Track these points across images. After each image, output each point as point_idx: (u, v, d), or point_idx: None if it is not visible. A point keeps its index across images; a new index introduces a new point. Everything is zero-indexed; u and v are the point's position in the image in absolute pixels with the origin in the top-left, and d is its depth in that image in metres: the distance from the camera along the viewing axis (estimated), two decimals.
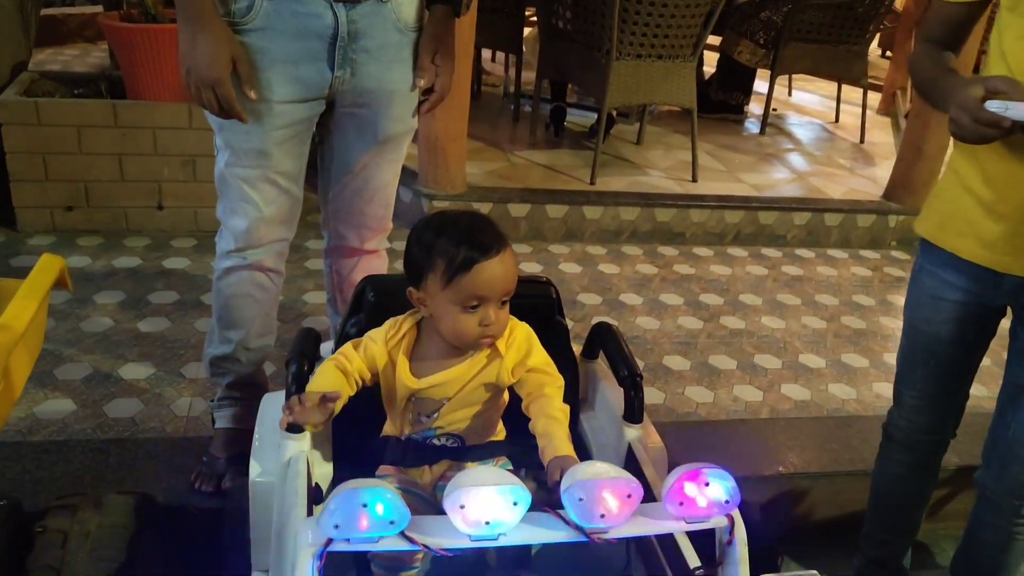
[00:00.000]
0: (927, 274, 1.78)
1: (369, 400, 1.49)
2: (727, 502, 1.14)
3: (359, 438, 1.52)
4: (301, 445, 1.44)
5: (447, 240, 1.34)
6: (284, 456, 1.44)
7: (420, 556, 1.36)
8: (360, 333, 1.57)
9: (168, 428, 2.24)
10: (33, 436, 2.15)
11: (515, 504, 1.04)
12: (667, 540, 1.38)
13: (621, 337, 1.69)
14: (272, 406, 1.65)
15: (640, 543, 1.45)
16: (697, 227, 3.98)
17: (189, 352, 2.60)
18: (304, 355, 1.51)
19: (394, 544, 1.06)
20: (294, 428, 1.45)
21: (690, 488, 1.11)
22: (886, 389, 2.91)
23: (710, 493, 1.12)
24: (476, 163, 4.02)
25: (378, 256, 2.11)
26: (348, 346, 1.43)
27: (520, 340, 1.43)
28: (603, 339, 1.72)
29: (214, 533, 1.91)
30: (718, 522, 1.16)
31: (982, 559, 1.90)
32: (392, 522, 1.04)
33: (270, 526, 1.49)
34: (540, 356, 1.45)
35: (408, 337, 1.42)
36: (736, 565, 1.18)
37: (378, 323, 1.59)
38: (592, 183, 3.99)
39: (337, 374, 1.39)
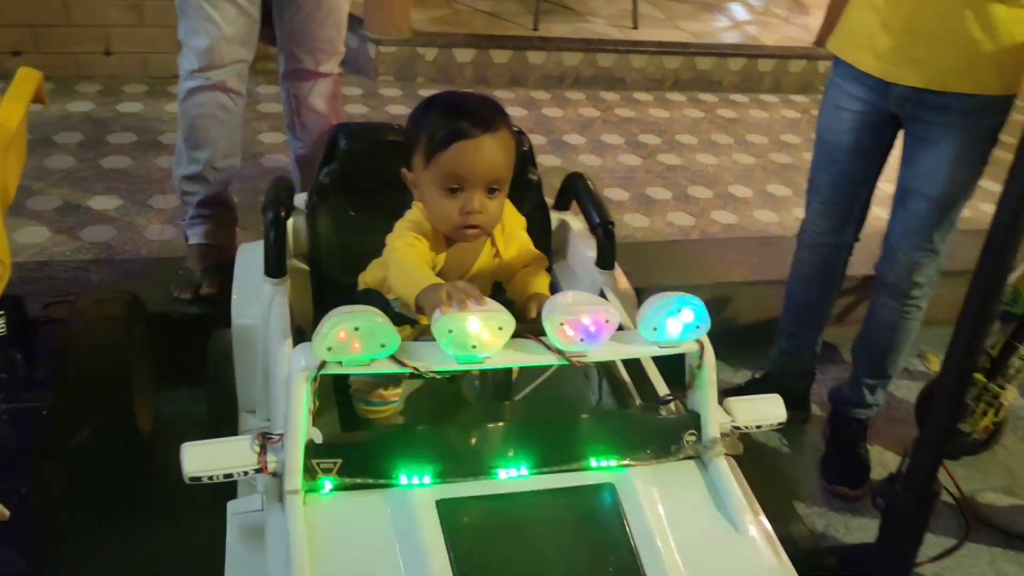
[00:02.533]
0: (834, 87, 2.00)
1: (346, 256, 1.52)
2: (698, 327, 1.16)
3: (339, 293, 1.47)
4: (281, 288, 1.48)
5: (433, 115, 1.28)
6: (265, 298, 1.48)
7: (399, 392, 1.40)
8: (334, 183, 1.59)
9: (143, 251, 2.39)
10: (15, 258, 2.27)
11: (499, 329, 1.07)
12: (636, 371, 1.43)
13: (593, 186, 1.70)
14: (248, 256, 1.70)
15: (611, 378, 1.48)
16: (637, 73, 4.11)
17: (154, 186, 2.71)
18: (280, 201, 1.53)
19: (384, 367, 1.08)
20: (273, 272, 1.48)
21: (663, 314, 1.14)
22: None
23: (682, 319, 1.15)
24: (420, 9, 4.05)
25: (333, 80, 2.23)
26: (411, 235, 1.32)
27: (517, 239, 1.42)
28: (575, 189, 1.73)
29: (197, 340, 2.08)
30: (689, 347, 1.19)
31: (878, 339, 2.20)
32: (383, 345, 1.05)
33: (255, 368, 1.55)
34: (531, 246, 1.44)
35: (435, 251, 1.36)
36: (705, 388, 1.21)
37: (352, 171, 1.57)
38: (535, 29, 4.08)
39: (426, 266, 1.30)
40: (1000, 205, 1.20)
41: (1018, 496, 2.25)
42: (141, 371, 1.84)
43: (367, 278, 1.47)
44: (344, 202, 1.60)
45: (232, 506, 1.24)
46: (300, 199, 1.67)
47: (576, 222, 1.80)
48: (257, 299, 1.52)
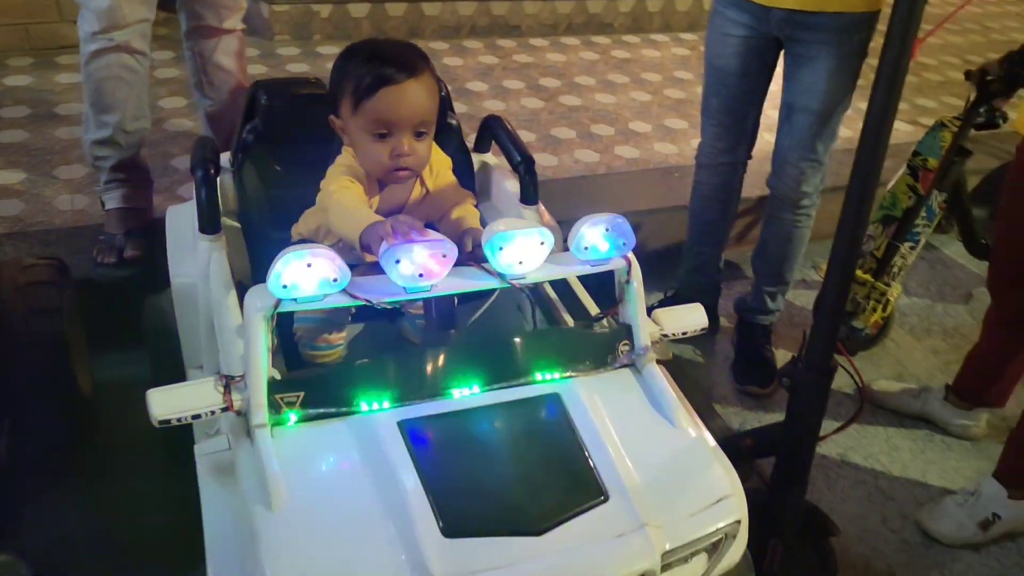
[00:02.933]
0: (718, 15, 2.14)
1: (277, 210, 1.53)
2: (624, 244, 1.25)
3: (273, 246, 1.49)
4: (218, 244, 1.50)
5: (357, 62, 1.31)
6: (203, 256, 1.49)
7: (343, 336, 1.45)
8: (258, 139, 1.61)
9: (56, 221, 2.35)
10: None
11: (443, 256, 1.12)
12: (567, 295, 1.52)
13: (510, 127, 1.76)
14: (177, 218, 1.69)
15: (543, 304, 1.55)
16: (531, 19, 4.20)
17: (57, 157, 2.65)
18: (207, 160, 1.53)
19: (338, 301, 1.13)
20: (208, 229, 1.48)
21: (592, 234, 1.22)
22: None
23: (610, 238, 1.23)
24: None
25: (237, 36, 2.23)
26: (345, 179, 1.36)
27: (445, 178, 1.46)
28: (493, 131, 1.78)
29: (125, 303, 2.07)
30: (618, 263, 1.28)
31: (774, 249, 2.38)
32: (335, 280, 1.11)
33: (198, 324, 1.55)
34: (458, 185, 1.49)
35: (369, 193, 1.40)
36: (635, 301, 1.32)
37: (274, 126, 1.58)
38: None
39: (366, 206, 1.34)
40: (867, 115, 1.35)
41: (906, 382, 2.50)
42: (75, 334, 1.84)
43: (301, 228, 1.51)
44: (269, 157, 1.62)
45: (199, 448, 1.26)
46: (223, 158, 1.68)
47: (496, 163, 1.85)
48: (193, 258, 1.54)
